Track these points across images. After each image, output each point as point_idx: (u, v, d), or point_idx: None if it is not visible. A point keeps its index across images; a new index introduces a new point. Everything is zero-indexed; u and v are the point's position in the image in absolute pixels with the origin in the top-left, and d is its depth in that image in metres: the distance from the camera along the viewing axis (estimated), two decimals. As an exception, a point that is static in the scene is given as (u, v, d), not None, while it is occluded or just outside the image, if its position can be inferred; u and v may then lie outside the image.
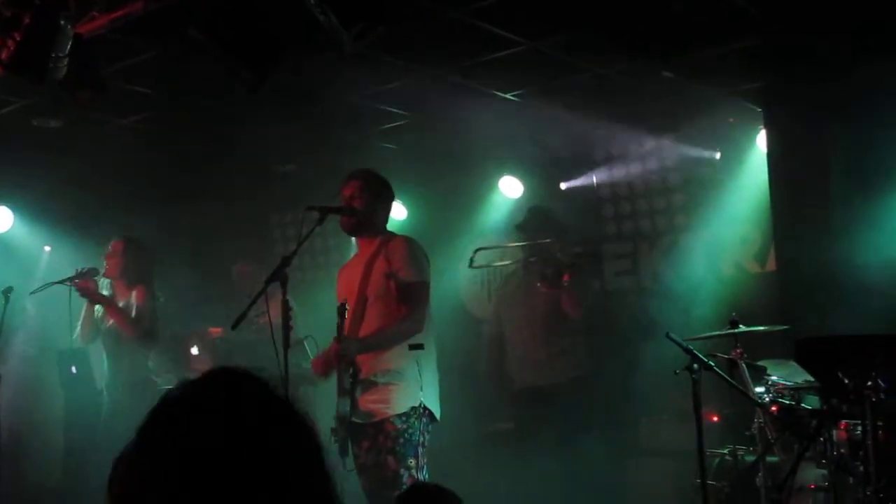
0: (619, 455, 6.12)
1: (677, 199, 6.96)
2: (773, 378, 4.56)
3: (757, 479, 4.56)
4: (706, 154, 6.69)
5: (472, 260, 6.01)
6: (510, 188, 7.39)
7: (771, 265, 6.39)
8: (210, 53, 4.02)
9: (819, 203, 5.63)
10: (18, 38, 3.78)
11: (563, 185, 7.34)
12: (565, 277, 5.93)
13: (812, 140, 5.72)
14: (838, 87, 5.46)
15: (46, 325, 7.03)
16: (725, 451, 5.11)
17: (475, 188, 7.58)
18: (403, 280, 4.45)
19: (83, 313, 5.98)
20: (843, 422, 4.11)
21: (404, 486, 4.13)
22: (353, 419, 4.39)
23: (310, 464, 1.35)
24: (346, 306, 4.40)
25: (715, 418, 5.74)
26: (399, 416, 4.35)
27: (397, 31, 4.06)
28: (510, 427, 6.44)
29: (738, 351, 4.65)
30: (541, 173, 7.32)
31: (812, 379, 4.36)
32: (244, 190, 8.18)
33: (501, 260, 6.57)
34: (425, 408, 4.42)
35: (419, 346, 4.45)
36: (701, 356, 4.13)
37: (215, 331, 6.98)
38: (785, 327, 5.03)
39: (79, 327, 6.00)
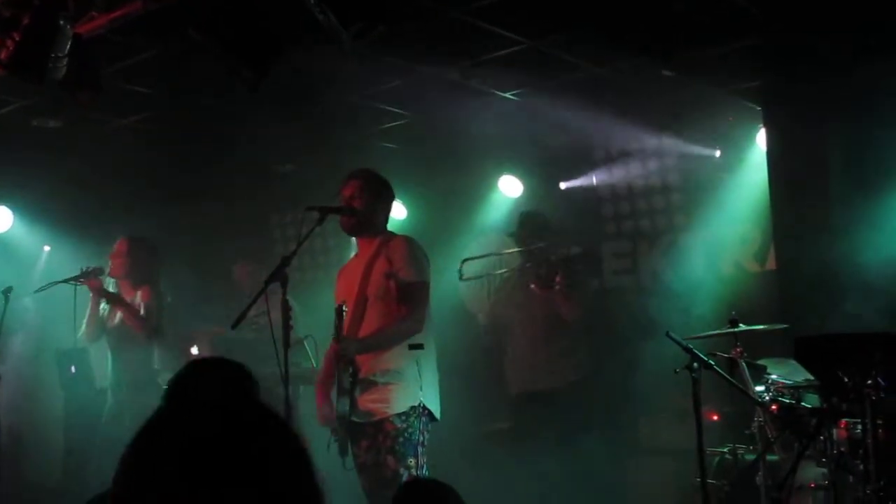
0: (619, 454, 6.12)
1: (677, 198, 6.96)
2: (773, 377, 4.56)
3: (757, 478, 4.56)
4: (706, 153, 6.69)
5: (460, 272, 5.97)
6: (510, 187, 7.39)
7: (771, 264, 6.39)
8: (210, 53, 4.02)
9: (819, 202, 5.63)
10: (18, 39, 3.78)
11: (562, 185, 7.34)
12: (558, 279, 5.94)
13: (812, 139, 5.72)
14: (838, 86, 5.46)
15: (47, 324, 7.04)
16: (725, 450, 5.11)
17: (475, 187, 7.58)
18: (403, 280, 4.45)
19: (88, 312, 5.99)
20: (843, 420, 4.11)
21: (403, 486, 4.13)
22: (353, 418, 4.39)
23: (295, 457, 1.36)
24: (345, 308, 4.40)
25: (715, 417, 5.74)
26: (399, 415, 4.35)
27: (397, 31, 4.06)
28: (510, 427, 6.44)
29: (738, 350, 4.66)
30: (540, 173, 7.32)
31: (812, 377, 4.37)
32: (244, 190, 8.18)
33: (496, 268, 6.56)
34: (425, 407, 4.42)
35: (419, 346, 4.45)
36: (701, 355, 4.13)
37: (220, 331, 6.98)
38: (785, 326, 5.04)
39: (83, 326, 6.01)
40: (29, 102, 5.88)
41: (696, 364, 4.11)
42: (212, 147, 7.02)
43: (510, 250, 6.39)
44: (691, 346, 4.15)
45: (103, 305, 6.05)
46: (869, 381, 3.70)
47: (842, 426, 4.13)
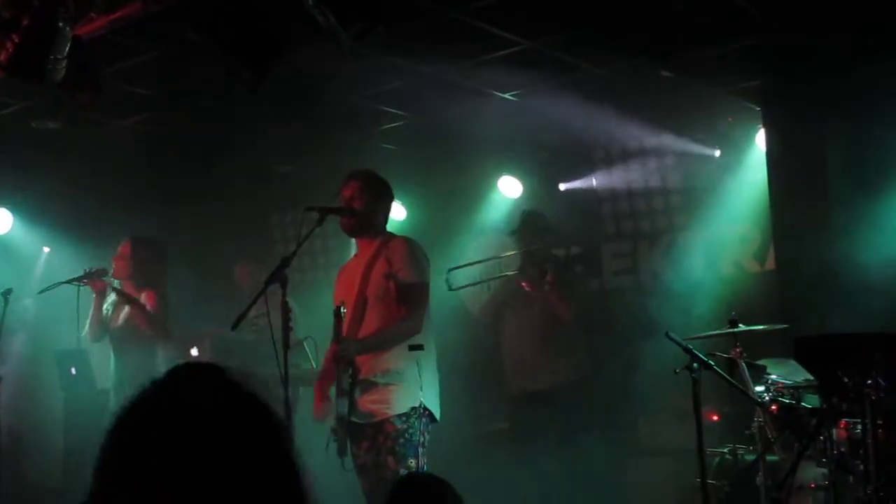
0: (619, 455, 6.12)
1: (676, 198, 6.96)
2: (773, 377, 4.56)
3: (757, 478, 4.56)
4: (706, 153, 6.69)
5: (448, 282, 5.96)
6: (509, 188, 7.39)
7: (770, 264, 6.39)
8: (210, 54, 4.03)
9: (818, 202, 5.64)
10: (17, 40, 3.78)
11: (562, 187, 7.35)
12: (548, 278, 5.94)
13: (811, 139, 5.72)
14: (838, 86, 5.46)
15: (47, 325, 7.04)
16: (725, 450, 5.10)
17: (475, 188, 7.58)
18: (403, 281, 4.45)
19: (91, 312, 5.99)
20: (843, 420, 4.11)
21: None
22: (353, 419, 4.39)
23: (280, 457, 1.36)
24: (343, 309, 4.40)
25: (715, 417, 5.74)
26: (399, 416, 4.35)
27: (397, 31, 4.06)
28: (510, 427, 6.44)
29: (738, 350, 4.66)
30: (540, 173, 7.32)
31: (812, 377, 4.36)
32: (244, 190, 8.18)
33: (494, 272, 6.56)
34: (425, 408, 4.42)
35: (419, 347, 4.45)
36: (701, 355, 4.13)
37: (224, 331, 6.99)
38: (784, 326, 5.04)
39: (87, 326, 6.01)
40: (28, 104, 5.88)
41: (695, 364, 4.11)
42: (212, 148, 7.02)
43: (508, 253, 6.40)
44: (691, 347, 4.15)
45: (107, 306, 6.06)
46: (869, 381, 3.70)
47: (842, 426, 4.13)
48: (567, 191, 7.34)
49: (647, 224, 7.12)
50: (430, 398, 4.46)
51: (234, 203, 8.28)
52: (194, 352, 6.74)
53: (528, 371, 6.10)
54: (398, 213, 7.33)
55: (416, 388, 4.41)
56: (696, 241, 6.75)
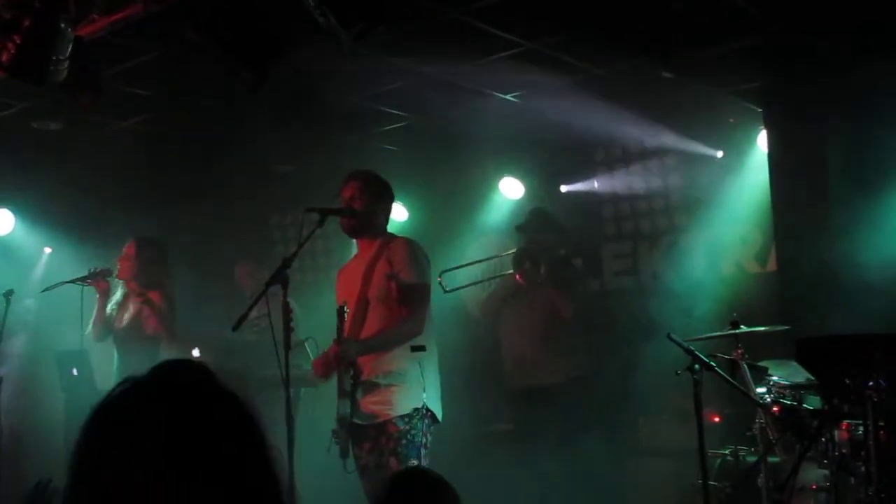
0: (620, 455, 6.12)
1: (677, 199, 6.96)
2: (775, 378, 4.56)
3: (758, 480, 4.56)
4: (707, 154, 6.69)
5: (441, 285, 5.97)
6: (510, 189, 7.39)
7: (772, 265, 6.39)
8: (210, 54, 4.02)
9: (819, 203, 5.64)
10: (18, 41, 3.78)
11: (563, 188, 7.35)
12: (543, 271, 5.95)
13: (812, 139, 5.72)
14: (838, 86, 5.46)
15: (48, 325, 7.03)
16: (727, 452, 5.11)
17: (476, 189, 7.58)
18: (404, 282, 4.45)
19: (94, 312, 5.99)
20: (845, 422, 4.11)
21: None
22: (355, 420, 4.38)
23: (258, 455, 1.36)
24: (346, 308, 4.40)
25: (716, 419, 5.74)
26: (401, 417, 4.34)
27: (398, 32, 4.06)
28: (510, 427, 6.44)
29: (740, 351, 4.66)
30: (541, 174, 7.32)
31: (813, 379, 4.36)
32: (244, 190, 8.18)
33: (495, 271, 6.57)
34: (427, 409, 4.41)
35: (421, 348, 4.45)
36: (702, 357, 4.13)
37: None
38: (786, 327, 5.03)
39: (90, 325, 6.01)
40: (29, 105, 5.88)
41: (697, 365, 4.11)
42: (212, 148, 7.03)
43: (504, 253, 6.41)
44: (692, 348, 4.14)
45: (111, 306, 6.06)
46: (870, 383, 3.70)
47: (843, 428, 4.12)
48: (568, 192, 7.34)
49: (647, 225, 7.12)
50: (432, 399, 4.46)
51: (234, 203, 8.29)
52: (196, 352, 6.74)
53: (528, 369, 6.11)
54: (399, 214, 7.34)
55: (418, 389, 4.41)
56: (697, 242, 6.75)
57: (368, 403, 4.39)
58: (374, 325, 4.47)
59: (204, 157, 7.26)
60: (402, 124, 6.75)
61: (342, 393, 4.40)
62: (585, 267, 7.09)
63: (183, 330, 6.56)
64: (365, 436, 4.39)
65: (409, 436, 4.33)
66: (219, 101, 5.68)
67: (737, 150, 6.52)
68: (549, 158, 7.21)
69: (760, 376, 4.61)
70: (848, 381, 3.77)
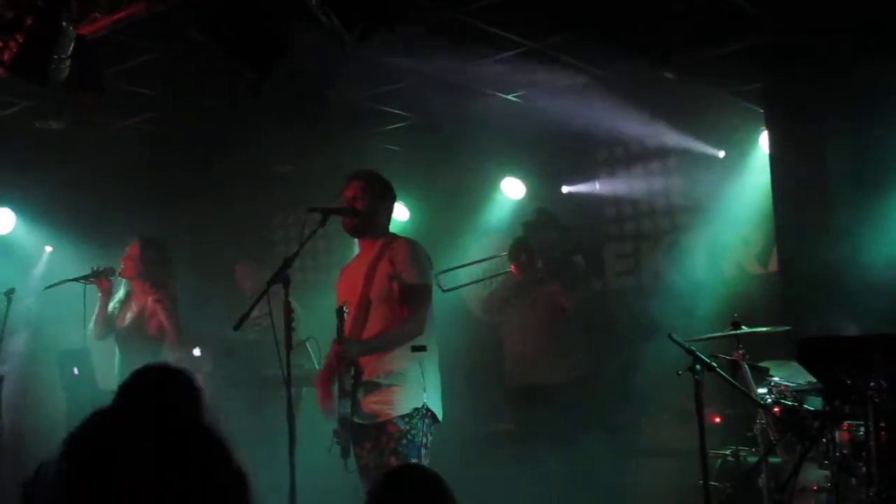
0: (620, 455, 6.12)
1: (679, 199, 6.96)
2: (776, 379, 4.57)
3: (759, 480, 4.56)
4: (709, 155, 6.69)
5: (438, 285, 5.97)
6: (512, 189, 7.40)
7: (773, 266, 6.40)
8: (212, 54, 4.02)
9: (820, 203, 5.64)
10: (21, 40, 3.78)
11: (564, 189, 7.35)
12: (541, 265, 5.96)
13: (813, 140, 5.72)
14: (839, 86, 5.46)
15: (49, 324, 7.04)
16: (728, 452, 5.11)
17: (477, 189, 7.59)
18: (406, 282, 4.45)
19: (97, 310, 5.99)
20: (846, 423, 4.11)
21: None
22: (356, 420, 4.39)
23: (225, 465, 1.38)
24: (346, 309, 4.40)
25: (717, 419, 5.73)
26: (402, 417, 4.34)
27: (400, 32, 4.06)
28: (510, 427, 6.44)
29: (741, 352, 4.66)
30: (542, 174, 7.33)
31: (814, 380, 4.36)
32: (245, 190, 8.18)
33: (497, 270, 6.57)
34: (428, 409, 4.41)
35: (422, 348, 4.45)
36: (703, 357, 4.13)
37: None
38: (787, 328, 5.03)
39: (91, 323, 6.01)
40: (32, 104, 5.89)
41: (698, 366, 4.11)
42: (213, 148, 7.04)
43: (498, 254, 6.41)
44: (693, 348, 4.15)
45: (113, 304, 6.06)
46: (871, 383, 3.70)
47: (844, 428, 4.13)
48: (569, 192, 7.35)
49: (649, 225, 7.13)
50: (433, 399, 4.46)
51: (235, 203, 8.29)
52: (196, 352, 6.73)
53: (529, 369, 6.12)
54: (401, 213, 7.34)
55: (418, 389, 4.41)
56: (698, 243, 6.75)
57: (369, 403, 4.40)
58: (376, 324, 4.47)
59: (205, 157, 7.27)
60: (403, 124, 6.76)
61: (343, 393, 4.40)
62: (587, 265, 7.09)
63: (184, 329, 6.57)
64: (366, 435, 4.40)
65: (409, 435, 4.33)
66: (221, 100, 5.69)
67: (738, 150, 6.53)
68: (550, 158, 7.21)
69: (761, 377, 4.62)
70: (849, 382, 3.77)
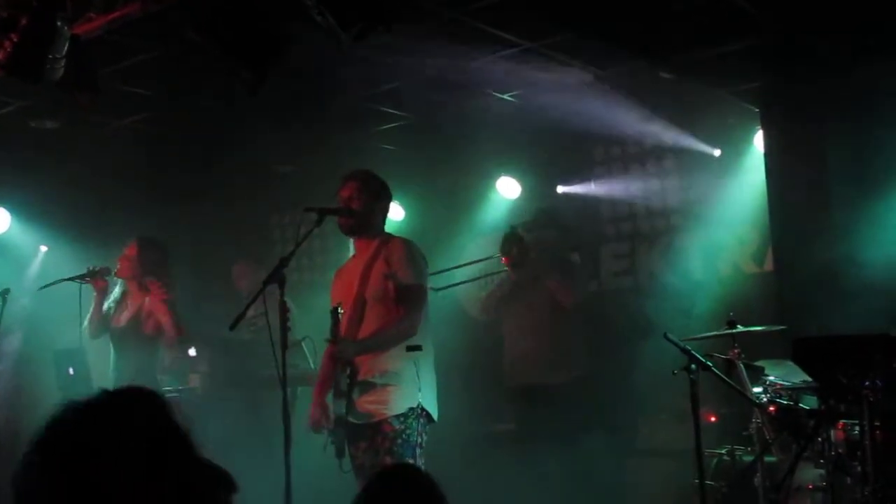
0: (618, 455, 6.11)
1: (675, 199, 6.96)
2: (771, 378, 4.56)
3: (755, 480, 4.56)
4: (705, 154, 6.69)
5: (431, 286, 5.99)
6: (508, 189, 7.40)
7: (768, 265, 6.39)
8: (208, 54, 4.03)
9: (817, 203, 5.64)
10: (15, 40, 3.79)
11: (560, 189, 7.35)
12: (531, 256, 5.96)
13: (810, 140, 5.72)
14: (837, 86, 5.47)
15: (45, 324, 7.03)
16: (723, 452, 5.11)
17: (473, 189, 7.59)
18: (402, 282, 4.45)
19: (92, 308, 5.99)
20: (841, 422, 4.11)
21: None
22: (351, 420, 4.39)
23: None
24: (340, 310, 4.40)
25: (713, 418, 5.73)
26: (397, 416, 4.35)
27: (397, 32, 4.06)
28: (509, 427, 6.44)
29: (736, 351, 4.66)
30: (539, 173, 7.33)
31: (810, 379, 4.36)
32: (244, 190, 8.18)
33: (491, 269, 6.58)
34: (423, 409, 4.41)
35: (417, 348, 4.45)
36: (699, 356, 4.13)
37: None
38: (782, 327, 5.03)
39: (86, 322, 6.01)
40: (27, 104, 5.89)
41: (694, 365, 4.10)
42: (211, 148, 7.03)
43: (492, 256, 6.41)
44: (689, 348, 4.14)
45: (109, 304, 6.06)
46: (867, 383, 3.70)
47: (839, 427, 4.12)
48: (565, 192, 7.35)
49: (645, 225, 7.12)
50: (428, 399, 4.46)
51: (234, 203, 8.29)
52: (192, 352, 6.73)
53: (527, 369, 6.11)
54: (397, 213, 7.34)
55: (413, 389, 4.41)
56: (694, 243, 6.75)
57: (364, 403, 4.40)
58: (372, 324, 4.47)
59: (204, 157, 7.27)
60: (400, 124, 6.76)
61: (338, 392, 4.40)
62: (583, 263, 7.09)
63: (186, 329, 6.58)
64: (361, 435, 4.40)
65: (404, 435, 4.33)
66: (218, 100, 5.69)
67: (735, 150, 6.53)
68: (547, 158, 7.21)
69: (757, 376, 4.62)
70: (844, 381, 3.76)
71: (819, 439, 4.07)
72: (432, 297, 4.68)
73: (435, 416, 4.49)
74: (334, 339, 4.37)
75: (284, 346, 4.10)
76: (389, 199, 4.77)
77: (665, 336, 4.13)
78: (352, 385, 4.39)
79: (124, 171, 7.13)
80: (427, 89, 5.82)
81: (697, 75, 5.68)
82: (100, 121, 6.37)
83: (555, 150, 7.08)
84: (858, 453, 3.87)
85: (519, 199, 7.33)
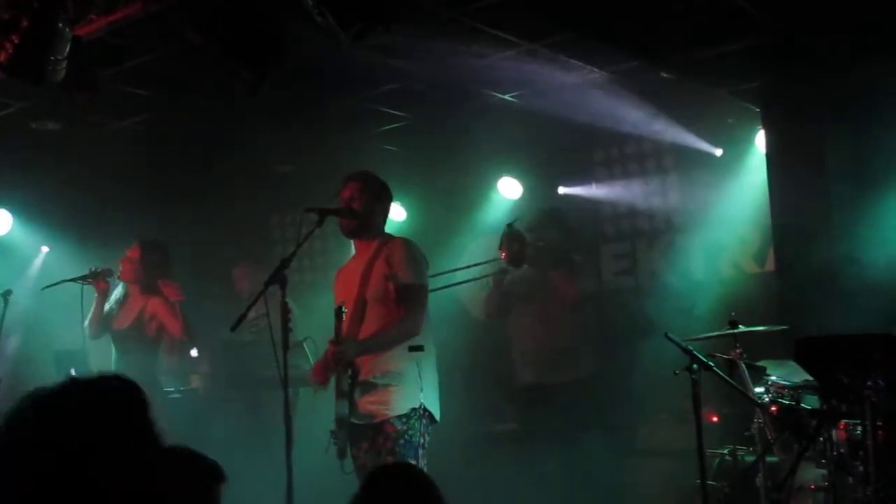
0: (619, 455, 6.12)
1: (676, 199, 6.96)
2: (773, 378, 4.56)
3: (757, 479, 4.56)
4: (706, 154, 6.69)
5: None
6: (509, 189, 7.40)
7: (770, 265, 6.40)
8: (210, 54, 4.02)
9: (817, 203, 5.64)
10: (17, 41, 3.78)
11: (561, 189, 7.35)
12: (531, 250, 5.97)
13: (810, 139, 5.73)
14: (837, 86, 5.47)
15: (46, 325, 7.03)
16: (725, 452, 5.11)
17: (474, 189, 7.59)
18: (402, 282, 4.45)
19: (93, 309, 5.99)
20: (843, 422, 4.11)
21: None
22: (352, 420, 4.38)
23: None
24: (344, 309, 4.40)
25: (714, 418, 5.74)
26: (399, 417, 4.34)
27: (397, 32, 4.06)
28: (509, 428, 6.44)
29: (738, 351, 4.66)
30: (539, 173, 7.33)
31: (811, 379, 4.36)
32: (244, 190, 8.18)
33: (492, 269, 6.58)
34: (425, 409, 4.41)
35: (419, 348, 4.44)
36: (700, 356, 4.13)
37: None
38: (784, 327, 5.03)
39: (87, 323, 6.01)
40: (28, 105, 5.88)
41: (695, 365, 4.11)
42: (211, 148, 7.03)
43: (487, 260, 6.40)
44: (691, 348, 4.14)
45: (110, 305, 6.06)
46: (868, 383, 3.70)
47: (841, 427, 4.13)
48: (566, 192, 7.35)
49: (646, 225, 7.13)
50: (430, 399, 4.46)
51: (234, 203, 8.29)
52: (194, 353, 6.74)
53: (530, 369, 6.12)
54: (398, 213, 7.34)
55: (416, 389, 4.40)
56: (695, 242, 6.75)
57: (366, 403, 4.39)
58: (373, 325, 4.47)
59: (204, 158, 7.26)
60: (401, 124, 6.76)
61: (340, 393, 4.40)
62: (584, 263, 7.09)
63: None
64: (363, 436, 4.39)
65: (406, 436, 4.32)
66: (218, 101, 5.68)
67: (735, 150, 6.53)
68: (547, 158, 7.21)
69: (759, 376, 4.61)
70: (846, 381, 3.76)
71: (821, 439, 4.07)
72: (433, 298, 4.67)
73: (437, 416, 4.48)
74: (336, 339, 4.37)
75: (286, 347, 4.10)
76: (390, 200, 4.77)
77: (666, 336, 4.13)
78: (353, 385, 4.38)
79: (124, 171, 7.13)
80: (427, 90, 5.82)
81: (697, 75, 5.68)
82: (100, 121, 6.37)
83: (555, 151, 7.08)
84: (860, 453, 3.87)
85: (520, 199, 7.32)
